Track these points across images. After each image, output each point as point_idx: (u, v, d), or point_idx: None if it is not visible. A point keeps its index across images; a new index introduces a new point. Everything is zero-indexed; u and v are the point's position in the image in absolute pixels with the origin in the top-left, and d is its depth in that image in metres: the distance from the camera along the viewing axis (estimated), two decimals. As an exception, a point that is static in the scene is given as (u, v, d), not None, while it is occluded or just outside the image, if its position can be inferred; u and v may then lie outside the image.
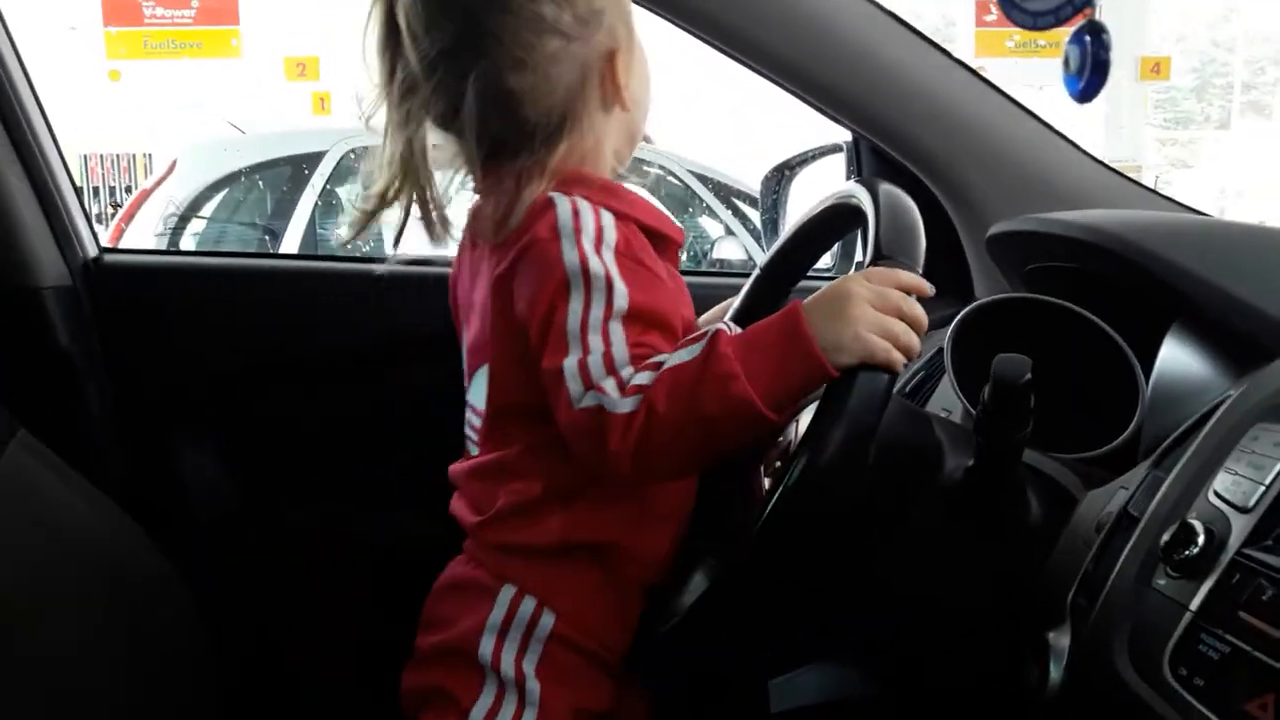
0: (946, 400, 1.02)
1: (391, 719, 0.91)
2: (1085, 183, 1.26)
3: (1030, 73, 6.36)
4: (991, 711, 0.82)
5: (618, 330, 0.78)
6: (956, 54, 1.32)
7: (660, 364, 0.77)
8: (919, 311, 0.75)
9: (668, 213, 0.92)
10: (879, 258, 0.76)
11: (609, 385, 0.76)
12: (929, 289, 0.77)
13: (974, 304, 1.05)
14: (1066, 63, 0.60)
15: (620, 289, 0.79)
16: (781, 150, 1.57)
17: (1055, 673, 0.66)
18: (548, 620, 0.85)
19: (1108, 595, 0.65)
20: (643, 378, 0.76)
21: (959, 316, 1.03)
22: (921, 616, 0.83)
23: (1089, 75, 0.59)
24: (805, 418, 0.81)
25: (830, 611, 0.89)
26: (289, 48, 6.93)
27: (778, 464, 0.79)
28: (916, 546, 0.81)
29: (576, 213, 0.81)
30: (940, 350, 1.08)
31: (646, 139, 5.23)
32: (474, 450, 0.92)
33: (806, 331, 0.74)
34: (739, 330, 0.79)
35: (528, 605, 0.85)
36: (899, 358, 0.73)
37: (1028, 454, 0.81)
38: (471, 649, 0.85)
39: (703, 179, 4.56)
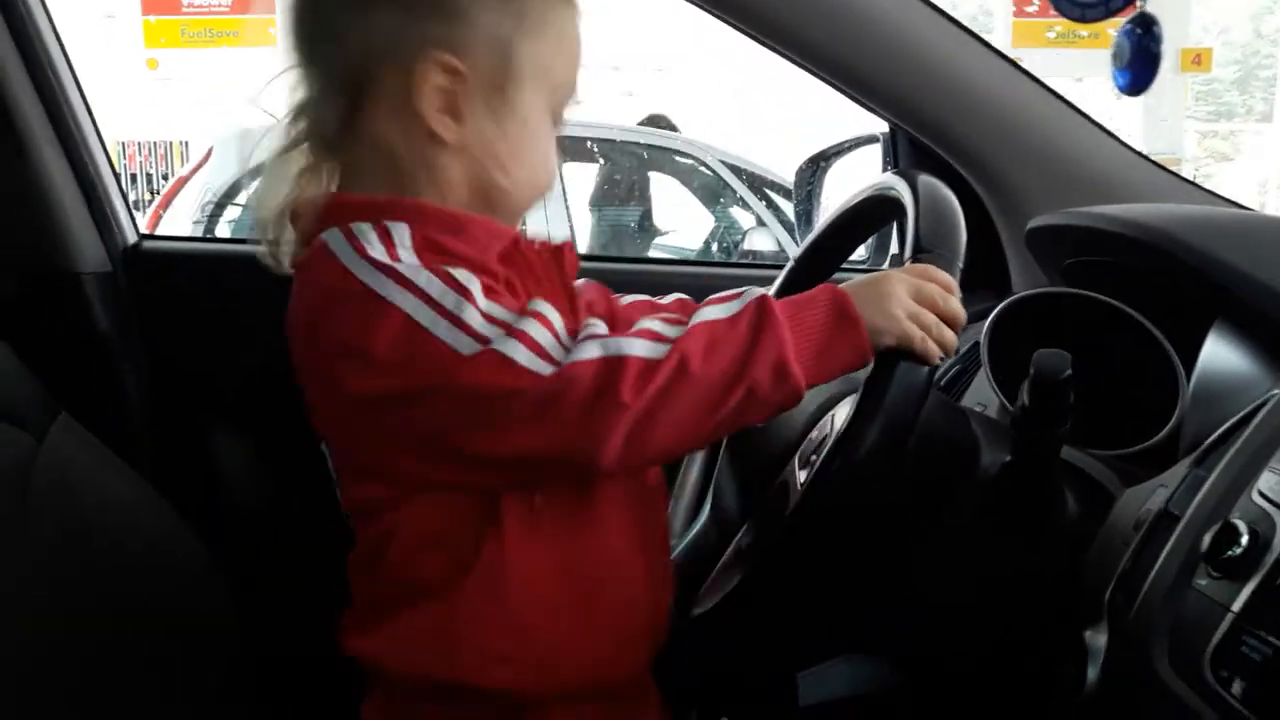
0: (982, 395, 1.01)
1: None
2: (1125, 176, 1.24)
3: (1069, 64, 6.28)
4: (1024, 709, 0.81)
5: (509, 332, 0.67)
6: (994, 45, 1.30)
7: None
8: (957, 308, 0.72)
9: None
10: (919, 251, 0.75)
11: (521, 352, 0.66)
12: (958, 292, 0.73)
13: (1011, 298, 1.04)
14: (1116, 55, 0.59)
15: (472, 288, 0.69)
16: (818, 141, 1.56)
17: (1091, 672, 0.66)
18: None
19: (1147, 594, 0.65)
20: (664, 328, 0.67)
21: (996, 310, 1.02)
22: (955, 612, 0.83)
23: (1139, 68, 0.58)
24: (842, 411, 0.81)
25: (862, 605, 0.89)
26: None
27: (813, 457, 0.79)
28: (951, 542, 0.80)
29: (363, 238, 0.72)
30: (976, 344, 1.07)
31: (669, 124, 5.19)
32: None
33: (855, 313, 0.69)
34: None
35: None
36: (935, 350, 0.70)
37: (1064, 450, 0.80)
38: None
39: (736, 170, 4.54)
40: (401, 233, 0.71)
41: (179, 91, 6.74)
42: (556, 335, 0.68)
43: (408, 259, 0.70)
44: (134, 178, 6.88)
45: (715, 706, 1.21)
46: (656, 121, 4.99)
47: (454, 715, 0.76)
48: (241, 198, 4.33)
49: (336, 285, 0.71)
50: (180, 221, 4.15)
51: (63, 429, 1.05)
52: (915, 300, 0.71)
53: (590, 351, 0.67)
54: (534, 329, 0.68)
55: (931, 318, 0.71)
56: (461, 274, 0.69)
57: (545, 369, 0.66)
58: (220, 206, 4.20)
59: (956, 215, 0.78)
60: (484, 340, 0.67)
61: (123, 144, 6.65)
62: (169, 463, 1.37)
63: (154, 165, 7.11)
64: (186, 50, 6.72)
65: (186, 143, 6.79)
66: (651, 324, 0.69)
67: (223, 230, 4.20)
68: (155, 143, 7.06)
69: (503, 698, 0.74)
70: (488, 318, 0.68)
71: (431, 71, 0.72)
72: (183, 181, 4.50)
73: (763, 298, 0.70)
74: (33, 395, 1.04)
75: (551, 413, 0.67)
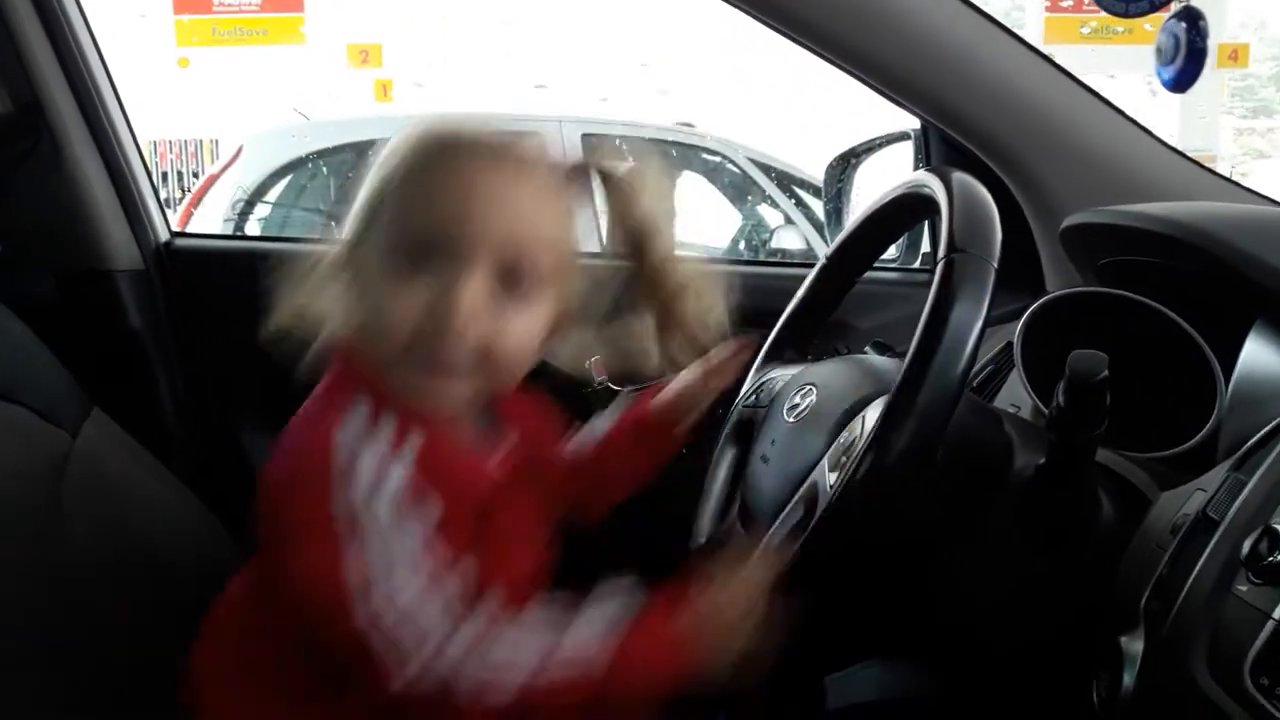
0: (1015, 396, 1.00)
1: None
2: (1163, 174, 1.22)
3: (1102, 61, 6.20)
4: (1058, 715, 0.80)
5: (414, 573, 0.70)
6: (1027, 41, 1.28)
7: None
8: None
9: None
10: (953, 250, 0.74)
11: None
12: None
13: (1045, 297, 1.02)
14: (1160, 51, 0.57)
15: (409, 521, 0.71)
16: (846, 139, 1.55)
17: (1128, 678, 0.65)
18: None
19: (1185, 600, 0.63)
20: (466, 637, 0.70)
21: (1030, 310, 1.01)
22: (986, 616, 0.82)
23: (1184, 63, 0.57)
24: (872, 413, 0.80)
25: (892, 609, 0.88)
26: (352, 34, 7.01)
27: (843, 459, 0.78)
28: (983, 545, 0.79)
29: (365, 435, 0.73)
30: (1009, 345, 1.06)
31: (688, 124, 5.14)
32: None
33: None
34: None
35: None
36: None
37: (1099, 453, 0.79)
38: None
39: (765, 168, 4.52)
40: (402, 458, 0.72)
41: (209, 90, 6.81)
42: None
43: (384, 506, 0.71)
44: (165, 176, 6.96)
45: (744, 711, 1.20)
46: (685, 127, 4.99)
47: None
48: (271, 196, 4.37)
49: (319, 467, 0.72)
50: (212, 219, 4.19)
51: (96, 425, 1.06)
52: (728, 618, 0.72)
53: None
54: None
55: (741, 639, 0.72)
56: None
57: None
58: (250, 204, 4.24)
59: (992, 214, 0.77)
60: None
61: (154, 142, 6.73)
62: (200, 458, 1.38)
63: (184, 163, 7.18)
64: (217, 49, 6.78)
65: (217, 141, 6.86)
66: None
67: (253, 228, 4.24)
68: (186, 141, 7.13)
69: None
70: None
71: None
72: (213, 179, 4.53)
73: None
74: (67, 392, 1.05)
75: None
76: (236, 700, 0.82)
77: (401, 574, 0.70)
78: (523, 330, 0.75)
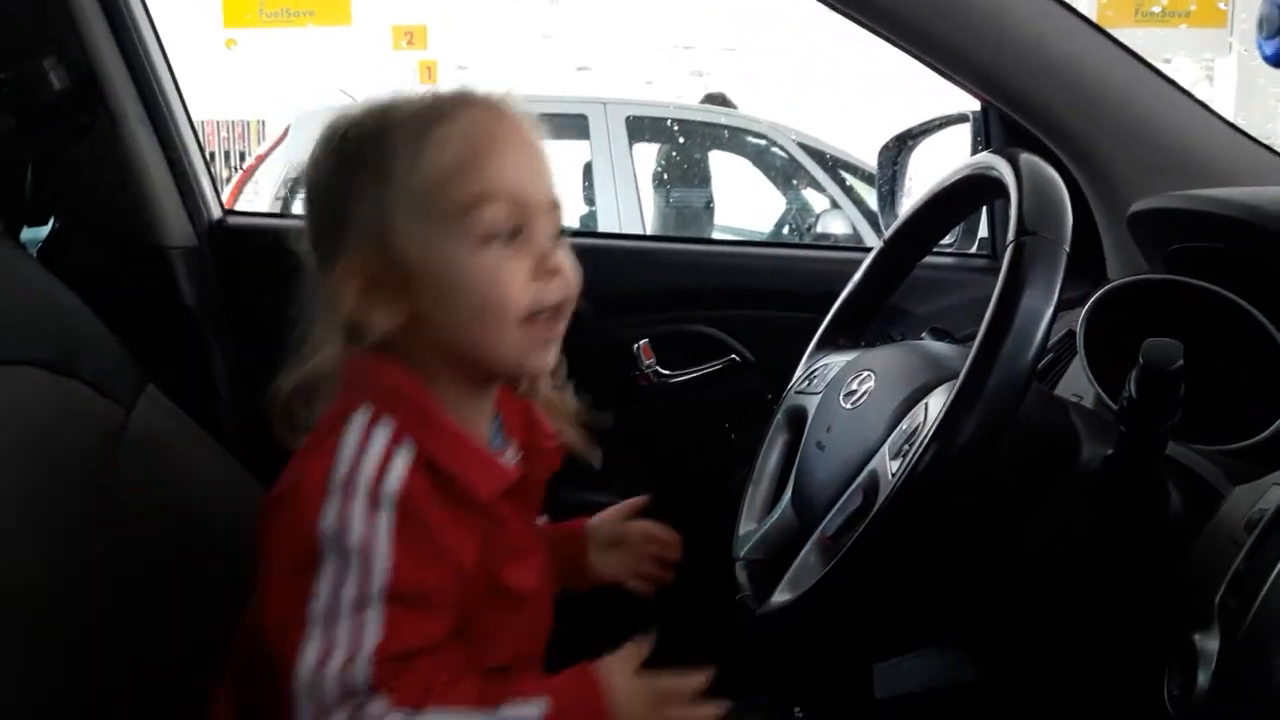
0: (1077, 385, 0.98)
1: None
2: (1232, 157, 1.19)
3: (1158, 44, 6.07)
4: (1122, 712, 0.78)
5: (373, 618, 0.69)
6: (1091, 19, 1.25)
7: (423, 697, 0.68)
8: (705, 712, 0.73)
9: (490, 455, 0.79)
10: (1023, 233, 0.72)
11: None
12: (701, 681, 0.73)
13: (1111, 284, 1.00)
14: (1264, 24, 0.55)
15: (380, 564, 0.69)
16: (892, 122, 1.52)
17: (1203, 677, 0.63)
18: None
19: (1265, 598, 0.61)
20: None
21: (1094, 297, 0.98)
22: (1050, 609, 0.80)
23: (1290, 36, 0.54)
24: (935, 400, 0.78)
25: (949, 599, 0.87)
26: (397, 16, 7.04)
27: (905, 446, 0.76)
28: (1048, 537, 0.77)
29: (363, 449, 0.72)
30: (1070, 333, 1.03)
31: (727, 102, 5.11)
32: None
33: None
34: None
35: None
36: None
37: (1168, 445, 0.77)
38: None
39: (813, 152, 4.47)
40: (394, 473, 0.71)
41: (255, 71, 6.88)
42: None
43: (378, 528, 0.70)
44: (212, 156, 7.06)
45: (789, 696, 1.19)
46: (716, 100, 4.94)
47: None
48: (318, 175, 4.39)
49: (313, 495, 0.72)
50: (262, 197, 4.24)
51: (150, 400, 1.07)
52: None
53: None
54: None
55: None
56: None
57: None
58: (297, 184, 4.27)
59: (1062, 196, 0.75)
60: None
61: (201, 123, 6.81)
62: (252, 434, 1.39)
63: (231, 144, 7.27)
64: (264, 30, 6.84)
65: (263, 122, 6.93)
66: None
67: (300, 207, 4.28)
68: (233, 122, 7.22)
69: None
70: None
71: (343, 283, 0.74)
72: (261, 159, 4.58)
73: None
74: (122, 367, 1.05)
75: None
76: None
77: (361, 617, 0.69)
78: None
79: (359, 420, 0.73)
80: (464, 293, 0.73)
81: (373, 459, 0.71)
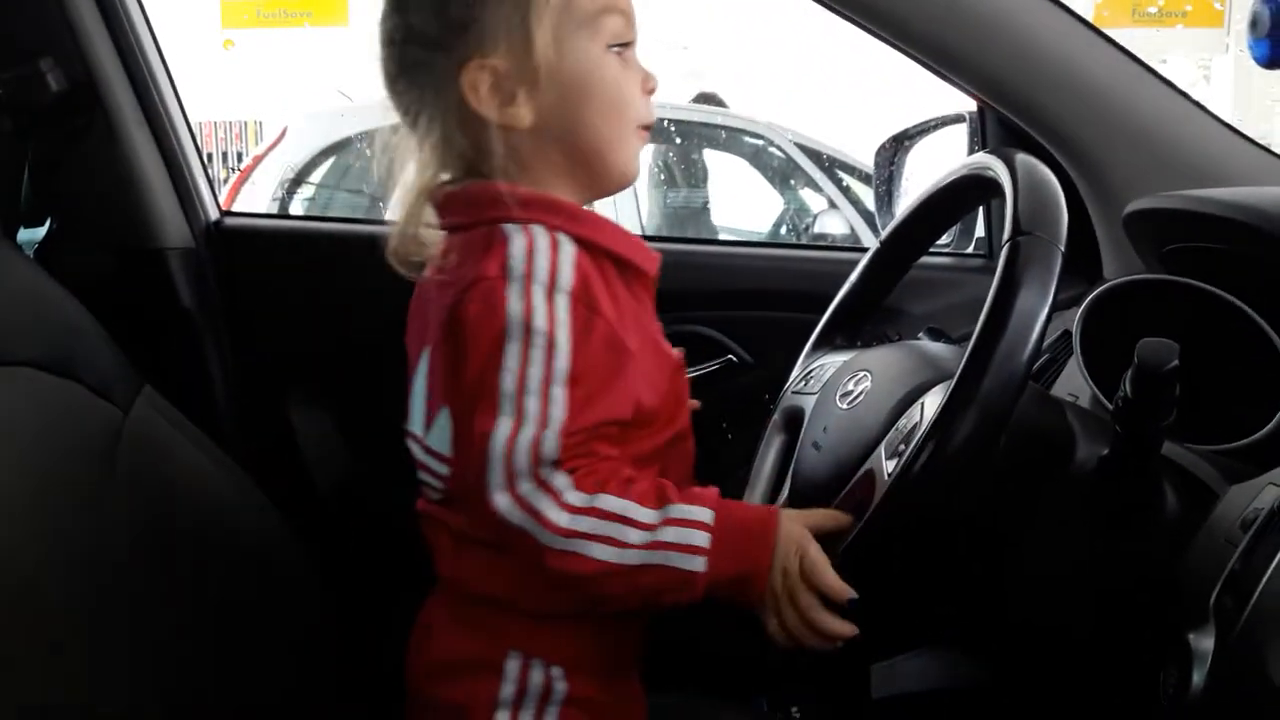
0: (1073, 385, 0.98)
1: None
2: (1228, 158, 1.19)
3: (1154, 44, 6.07)
4: (1118, 712, 0.78)
5: (559, 396, 0.73)
6: (1086, 19, 1.25)
7: (602, 485, 0.73)
8: (834, 627, 0.74)
9: (639, 238, 0.84)
10: (1018, 233, 0.72)
11: (544, 503, 0.72)
12: (852, 595, 0.74)
13: (1107, 284, 1.00)
14: (1254, 25, 0.55)
15: (563, 348, 0.73)
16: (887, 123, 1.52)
17: (1198, 676, 0.63)
18: (560, 686, 0.81)
19: (1260, 598, 0.61)
20: (579, 500, 0.72)
21: (1090, 297, 0.99)
22: (1046, 608, 0.80)
23: None
24: (931, 400, 0.78)
25: (945, 599, 0.87)
26: (394, 17, 7.02)
27: (901, 446, 0.77)
28: (1043, 537, 0.78)
29: (531, 251, 0.75)
30: (1066, 332, 1.03)
31: (719, 101, 5.10)
32: (434, 495, 0.85)
33: (765, 566, 0.74)
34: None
35: (537, 674, 0.81)
36: (787, 643, 0.74)
37: (1164, 445, 0.77)
38: None
39: (811, 152, 4.47)
40: (566, 264, 0.75)
41: (253, 71, 6.87)
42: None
43: (558, 314, 0.74)
44: (209, 156, 7.05)
45: (786, 697, 1.20)
46: (708, 100, 4.94)
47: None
48: (315, 177, 4.40)
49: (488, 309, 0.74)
50: (260, 199, 4.24)
51: (147, 402, 1.07)
52: (790, 604, 0.74)
53: (513, 515, 0.73)
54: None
55: (801, 628, 0.74)
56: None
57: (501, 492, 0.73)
58: (296, 185, 4.28)
59: (1058, 197, 0.75)
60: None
61: (199, 123, 6.81)
62: (250, 437, 1.39)
63: (229, 144, 7.26)
64: (261, 30, 6.83)
65: (260, 122, 6.92)
66: (577, 500, 0.73)
67: (297, 209, 4.28)
68: (230, 122, 7.21)
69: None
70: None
71: (475, 78, 0.76)
72: (259, 160, 4.58)
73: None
74: (119, 368, 1.05)
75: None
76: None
77: (548, 394, 0.72)
78: None
79: (513, 228, 0.76)
80: (596, 91, 0.78)
81: (543, 254, 0.75)
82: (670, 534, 0.73)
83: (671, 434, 0.84)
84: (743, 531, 0.75)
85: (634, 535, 0.72)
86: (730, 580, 0.74)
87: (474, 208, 0.79)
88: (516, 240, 0.75)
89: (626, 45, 0.79)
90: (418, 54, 0.79)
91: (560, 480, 0.72)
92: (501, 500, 0.72)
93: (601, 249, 0.78)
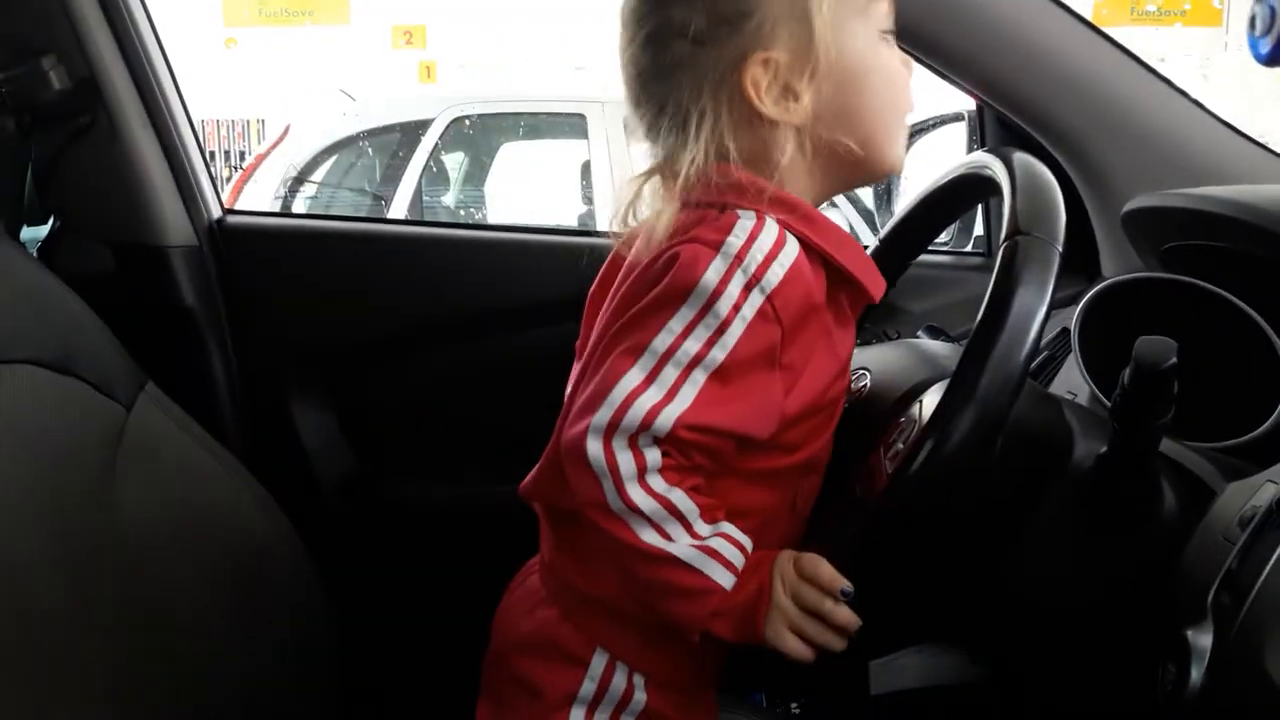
0: (1072, 383, 0.98)
1: None
2: (1227, 156, 1.19)
3: (1153, 44, 6.07)
4: (1117, 709, 0.78)
5: (700, 381, 0.71)
6: (1085, 18, 1.25)
7: (680, 484, 0.72)
8: (841, 615, 0.73)
9: (870, 259, 0.82)
10: (1016, 232, 0.72)
11: (627, 470, 0.71)
12: (847, 587, 0.73)
13: (1105, 282, 1.00)
14: (1254, 23, 0.55)
15: (729, 342, 0.71)
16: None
17: (1195, 674, 0.63)
18: (640, 696, 0.81)
19: (1258, 595, 0.62)
20: (659, 486, 0.71)
21: (1088, 295, 0.99)
22: (1044, 606, 0.80)
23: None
24: (929, 398, 0.79)
25: (945, 596, 0.87)
26: (396, 16, 7.04)
27: (899, 446, 0.77)
28: (1042, 535, 0.78)
29: (753, 239, 0.73)
30: (1065, 330, 1.04)
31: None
32: None
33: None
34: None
35: (620, 678, 0.81)
36: (806, 652, 0.74)
37: (1162, 442, 0.77)
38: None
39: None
40: (780, 264, 0.73)
41: (255, 69, 6.88)
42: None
43: (745, 309, 0.72)
44: (212, 155, 7.06)
45: (784, 693, 1.20)
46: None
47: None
48: (318, 175, 4.41)
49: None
50: (263, 197, 4.24)
51: (150, 399, 1.07)
52: (796, 605, 0.73)
53: (599, 472, 0.71)
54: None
55: (812, 627, 0.73)
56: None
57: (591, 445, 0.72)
58: (299, 183, 4.28)
59: (1055, 196, 0.76)
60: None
61: (201, 122, 6.82)
62: (252, 434, 1.40)
63: (231, 143, 7.27)
64: (263, 29, 6.84)
65: (263, 121, 6.93)
66: (649, 506, 0.72)
67: (299, 206, 4.28)
68: (233, 121, 7.22)
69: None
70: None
71: (756, 74, 0.74)
72: (261, 159, 4.59)
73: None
74: (122, 366, 1.06)
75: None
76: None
77: (689, 373, 0.71)
78: None
79: (745, 214, 0.74)
80: (873, 84, 0.76)
81: (764, 244, 0.73)
82: (717, 544, 0.73)
83: (804, 459, 0.81)
84: (754, 559, 0.75)
85: (685, 538, 0.72)
86: (741, 605, 0.74)
87: (717, 191, 0.76)
88: (744, 224, 0.74)
89: (890, 31, 0.78)
90: (682, 50, 0.75)
91: (653, 457, 0.71)
92: (593, 444, 0.71)
93: (828, 258, 0.76)
